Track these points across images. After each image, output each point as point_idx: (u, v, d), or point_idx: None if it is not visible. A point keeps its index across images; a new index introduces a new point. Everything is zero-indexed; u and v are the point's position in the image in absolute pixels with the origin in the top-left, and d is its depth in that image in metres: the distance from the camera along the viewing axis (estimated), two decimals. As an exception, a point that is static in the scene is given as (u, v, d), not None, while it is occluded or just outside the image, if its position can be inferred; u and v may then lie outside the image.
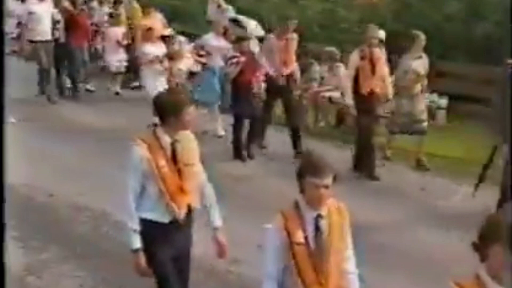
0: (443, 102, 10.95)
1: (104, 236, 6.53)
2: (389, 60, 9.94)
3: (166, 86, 9.76)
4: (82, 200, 7.36)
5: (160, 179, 4.05)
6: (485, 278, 2.53)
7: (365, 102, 8.28)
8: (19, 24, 12.98)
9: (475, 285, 2.56)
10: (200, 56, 10.44)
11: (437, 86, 11.24)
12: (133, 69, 12.73)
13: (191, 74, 12.69)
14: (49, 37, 12.01)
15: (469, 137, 8.62)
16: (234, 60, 8.81)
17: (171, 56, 13.16)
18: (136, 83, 12.76)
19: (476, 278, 2.57)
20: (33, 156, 8.60)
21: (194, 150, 4.20)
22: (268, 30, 13.24)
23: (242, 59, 8.78)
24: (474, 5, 11.62)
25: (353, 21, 13.02)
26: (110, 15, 13.53)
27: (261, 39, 12.94)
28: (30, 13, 11.84)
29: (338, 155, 9.07)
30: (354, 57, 8.35)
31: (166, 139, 4.10)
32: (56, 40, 12.22)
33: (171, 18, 15.46)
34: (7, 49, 4.44)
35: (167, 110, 4.05)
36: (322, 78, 10.74)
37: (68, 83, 12.74)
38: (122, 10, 13.16)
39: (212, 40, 10.33)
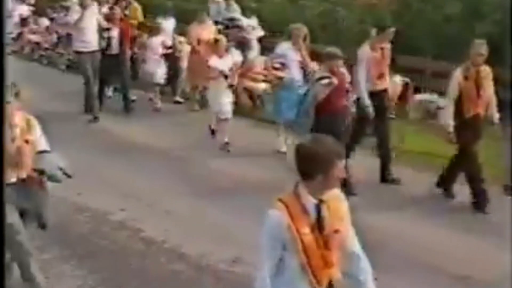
0: (444, 102, 10.93)
1: (104, 236, 6.53)
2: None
3: (229, 106, 9.48)
4: (82, 200, 7.36)
5: (302, 251, 3.32)
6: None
7: (469, 126, 7.33)
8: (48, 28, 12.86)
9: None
10: (276, 69, 9.16)
11: (437, 86, 11.25)
12: (172, 81, 12.27)
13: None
14: (95, 47, 10.91)
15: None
16: (326, 80, 7.46)
17: (170, 56, 13.22)
18: (177, 98, 12.17)
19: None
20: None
21: (344, 213, 3.44)
22: (269, 31, 13.28)
23: (335, 80, 7.47)
24: (474, 5, 11.61)
25: (353, 21, 13.03)
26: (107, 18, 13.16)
27: (260, 40, 13.01)
28: (75, 21, 10.79)
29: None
30: (457, 76, 7.41)
31: (311, 201, 3.34)
32: (103, 50, 11.10)
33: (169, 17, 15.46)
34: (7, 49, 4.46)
35: (316, 165, 3.25)
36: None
37: (108, 94, 12.02)
38: (117, 9, 12.31)
39: (290, 51, 8.99)
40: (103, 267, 5.87)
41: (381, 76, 8.08)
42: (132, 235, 6.57)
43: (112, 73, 11.44)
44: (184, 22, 14.49)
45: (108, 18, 11.35)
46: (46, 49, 16.42)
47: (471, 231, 6.68)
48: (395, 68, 9.28)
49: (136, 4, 14.69)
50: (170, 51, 12.13)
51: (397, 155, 8.61)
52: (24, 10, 17.53)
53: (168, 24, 12.77)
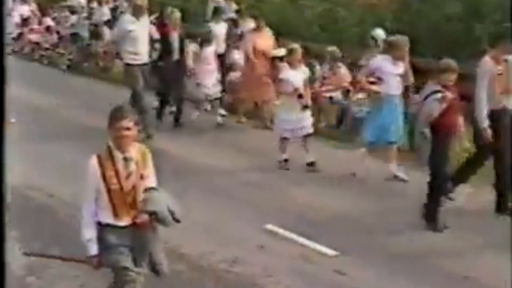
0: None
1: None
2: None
3: (308, 120, 8.57)
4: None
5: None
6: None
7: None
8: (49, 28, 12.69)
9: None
10: (372, 83, 8.21)
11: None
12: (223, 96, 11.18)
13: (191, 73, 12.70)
14: (146, 59, 10.00)
15: (470, 137, 8.58)
16: (438, 95, 6.59)
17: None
18: (221, 111, 11.00)
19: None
20: (34, 156, 8.61)
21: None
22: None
23: (449, 94, 6.61)
24: (474, 5, 11.61)
25: (353, 21, 13.03)
26: None
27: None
28: (126, 31, 9.79)
29: (338, 156, 9.08)
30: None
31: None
32: (153, 62, 10.26)
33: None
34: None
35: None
36: (324, 78, 10.72)
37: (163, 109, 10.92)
38: (176, 14, 10.96)
39: (388, 63, 8.09)
40: (103, 268, 5.86)
41: (506, 91, 7.04)
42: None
43: (171, 86, 10.53)
44: (184, 22, 14.50)
45: (161, 27, 10.46)
46: (47, 49, 16.43)
47: None
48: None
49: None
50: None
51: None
52: (25, 10, 17.52)
53: (220, 29, 11.61)
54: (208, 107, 11.00)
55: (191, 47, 10.74)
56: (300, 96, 8.43)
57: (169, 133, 10.15)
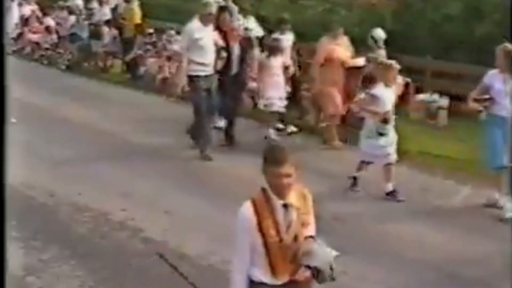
0: (444, 102, 10.95)
1: (104, 236, 6.53)
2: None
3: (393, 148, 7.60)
4: (82, 200, 7.36)
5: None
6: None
7: None
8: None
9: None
10: (484, 100, 7.20)
11: (438, 86, 11.26)
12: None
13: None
14: (212, 70, 9.00)
15: (470, 137, 8.60)
16: None
17: (170, 56, 13.24)
18: (292, 128, 10.28)
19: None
20: (34, 156, 8.62)
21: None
22: (268, 31, 13.27)
23: None
24: (474, 5, 11.61)
25: (353, 21, 13.02)
26: None
27: (260, 40, 13.01)
28: (193, 39, 8.77)
29: (339, 155, 9.09)
30: None
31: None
32: (218, 73, 9.23)
33: (171, 18, 15.51)
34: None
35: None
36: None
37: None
38: (239, 23, 10.54)
39: (496, 80, 7.11)
40: (103, 267, 5.87)
41: None
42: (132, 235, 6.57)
43: (227, 101, 9.51)
44: (182, 24, 14.52)
45: (225, 34, 9.38)
46: (47, 49, 16.44)
47: None
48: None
49: (135, 5, 14.71)
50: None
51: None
52: (26, 10, 17.52)
53: (287, 39, 10.65)
54: (271, 123, 9.90)
55: (257, 56, 10.03)
56: (385, 120, 7.46)
57: (234, 154, 9.06)
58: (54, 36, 16.43)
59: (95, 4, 16.28)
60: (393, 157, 7.61)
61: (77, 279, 5.65)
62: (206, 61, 8.82)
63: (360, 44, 10.23)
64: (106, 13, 15.71)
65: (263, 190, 3.48)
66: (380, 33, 10.06)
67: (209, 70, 8.87)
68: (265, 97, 9.85)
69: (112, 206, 7.17)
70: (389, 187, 7.58)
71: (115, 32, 15.01)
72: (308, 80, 10.42)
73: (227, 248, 6.13)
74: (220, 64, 9.14)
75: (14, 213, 6.96)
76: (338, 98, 9.45)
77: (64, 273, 5.77)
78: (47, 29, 16.64)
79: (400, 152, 8.75)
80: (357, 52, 10.00)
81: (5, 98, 2.16)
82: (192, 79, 8.83)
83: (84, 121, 10.71)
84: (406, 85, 9.76)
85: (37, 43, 16.65)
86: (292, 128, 10.24)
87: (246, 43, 9.79)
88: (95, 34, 15.29)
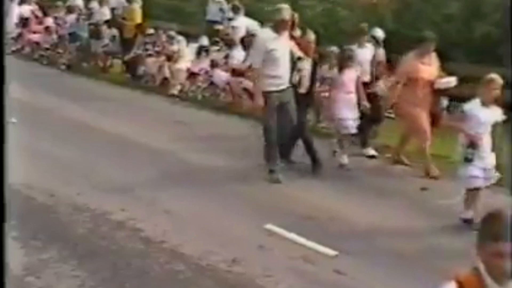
0: (444, 102, 10.94)
1: (104, 236, 6.53)
2: (389, 60, 9.94)
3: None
4: (82, 200, 7.36)
5: None
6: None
7: None
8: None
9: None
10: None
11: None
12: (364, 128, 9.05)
13: (191, 75, 12.75)
14: (286, 84, 8.05)
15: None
16: None
17: (170, 56, 13.25)
18: (370, 151, 9.13)
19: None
20: (34, 156, 8.62)
21: None
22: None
23: None
24: (474, 5, 11.61)
25: (354, 21, 13.02)
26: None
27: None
28: (266, 51, 7.85)
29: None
30: None
31: None
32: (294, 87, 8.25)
33: (171, 17, 15.51)
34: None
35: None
36: (323, 78, 10.69)
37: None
38: (311, 34, 8.69)
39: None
40: (103, 267, 5.87)
41: None
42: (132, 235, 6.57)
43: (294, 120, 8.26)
44: (181, 23, 14.53)
45: (300, 45, 8.49)
46: (47, 49, 16.43)
47: None
48: (394, 68, 9.28)
49: (136, 6, 14.73)
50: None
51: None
52: (25, 10, 17.51)
53: (365, 52, 9.45)
54: (341, 144, 8.88)
55: (324, 70, 8.99)
56: (473, 145, 6.59)
57: (304, 179, 8.13)
58: (54, 36, 16.43)
59: (94, 4, 16.28)
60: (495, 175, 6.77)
61: (77, 279, 5.65)
62: (280, 73, 7.91)
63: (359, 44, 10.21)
64: (105, 13, 15.71)
65: (475, 270, 2.58)
66: (379, 33, 10.05)
67: (284, 84, 7.96)
68: (335, 117, 8.77)
69: (112, 206, 7.17)
70: (468, 214, 6.69)
71: (115, 32, 15.01)
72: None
73: (226, 248, 6.19)
74: (296, 78, 8.19)
75: (14, 213, 6.95)
76: (426, 122, 8.30)
77: (64, 273, 5.77)
78: (47, 29, 16.64)
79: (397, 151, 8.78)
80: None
81: (5, 98, 2.16)
82: (264, 94, 7.93)
83: (84, 121, 10.71)
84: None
85: (37, 43, 16.65)
86: (371, 151, 9.08)
87: (317, 55, 8.70)
88: (95, 34, 15.29)
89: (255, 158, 8.49)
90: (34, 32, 16.89)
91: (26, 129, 9.45)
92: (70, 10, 16.37)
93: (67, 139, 9.69)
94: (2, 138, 2.16)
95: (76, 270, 5.81)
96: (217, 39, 13.23)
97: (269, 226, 6.70)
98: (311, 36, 8.54)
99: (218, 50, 12.84)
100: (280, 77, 7.90)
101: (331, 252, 6.16)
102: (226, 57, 12.41)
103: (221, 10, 14.49)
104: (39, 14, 17.60)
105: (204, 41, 13.15)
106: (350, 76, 8.69)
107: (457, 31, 11.37)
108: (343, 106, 8.64)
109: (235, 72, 11.88)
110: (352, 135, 8.91)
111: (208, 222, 6.84)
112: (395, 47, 10.09)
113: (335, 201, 7.39)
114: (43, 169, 8.32)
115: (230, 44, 12.58)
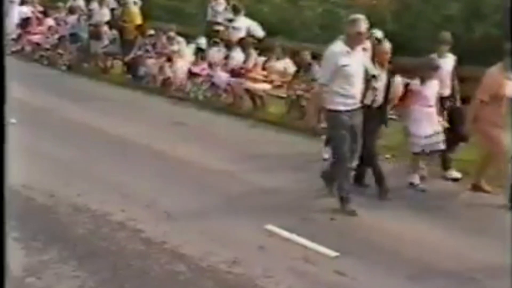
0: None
1: (104, 236, 6.53)
2: (389, 62, 9.94)
3: None
4: (82, 201, 7.36)
5: None
6: None
7: None
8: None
9: None
10: None
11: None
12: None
13: (192, 75, 12.77)
14: (357, 104, 7.17)
15: (472, 138, 8.57)
16: None
17: (170, 57, 13.26)
18: (453, 173, 8.23)
19: None
20: (34, 156, 8.62)
21: None
22: (268, 32, 13.29)
23: None
24: (474, 5, 11.61)
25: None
26: None
27: (259, 41, 13.02)
28: (338, 66, 6.96)
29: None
30: None
31: None
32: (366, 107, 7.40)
33: (171, 18, 15.52)
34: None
35: None
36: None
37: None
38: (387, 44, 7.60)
39: None
40: (103, 268, 5.87)
41: None
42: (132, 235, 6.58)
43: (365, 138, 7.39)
44: (181, 24, 14.54)
45: (374, 55, 7.85)
46: (47, 49, 16.45)
47: None
48: (395, 69, 9.27)
49: (134, 7, 14.73)
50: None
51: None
52: (26, 10, 17.52)
53: (446, 63, 8.44)
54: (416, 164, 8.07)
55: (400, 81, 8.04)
56: None
57: (383, 208, 7.33)
58: (55, 37, 16.44)
59: (94, 5, 16.30)
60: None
61: (78, 280, 5.65)
62: (352, 92, 7.06)
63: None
64: (105, 13, 15.73)
65: None
66: (378, 34, 10.07)
67: (355, 104, 7.11)
68: (413, 134, 7.94)
69: (112, 207, 7.17)
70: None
71: (115, 33, 15.03)
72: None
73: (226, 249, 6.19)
74: (370, 97, 7.45)
75: (14, 214, 6.96)
76: (505, 143, 7.39)
77: (65, 273, 5.77)
78: (48, 29, 16.64)
79: (404, 154, 8.74)
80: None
81: (5, 98, 2.16)
82: (332, 114, 7.13)
83: (84, 121, 10.71)
84: (406, 86, 9.75)
85: (37, 44, 16.66)
86: (455, 173, 8.24)
87: (392, 67, 7.93)
88: (95, 35, 15.30)
89: (260, 162, 8.53)
90: (35, 33, 16.90)
91: (26, 130, 9.45)
92: (71, 11, 16.38)
93: (67, 140, 9.70)
94: (2, 138, 2.17)
95: (77, 271, 5.81)
96: (217, 40, 13.24)
97: (269, 226, 6.70)
98: (387, 45, 7.85)
99: (218, 51, 12.85)
100: (352, 96, 7.04)
101: (331, 252, 6.16)
102: (226, 57, 12.43)
103: (221, 11, 14.50)
104: (39, 15, 17.61)
105: (201, 41, 13.17)
106: (432, 88, 7.94)
107: (457, 31, 11.37)
108: (423, 121, 7.84)
109: (235, 73, 11.89)
110: (430, 153, 8.01)
111: (208, 222, 6.84)
112: (395, 48, 10.09)
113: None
114: (43, 170, 8.32)
115: (229, 45, 12.61)
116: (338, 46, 7.09)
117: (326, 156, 8.28)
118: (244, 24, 13.39)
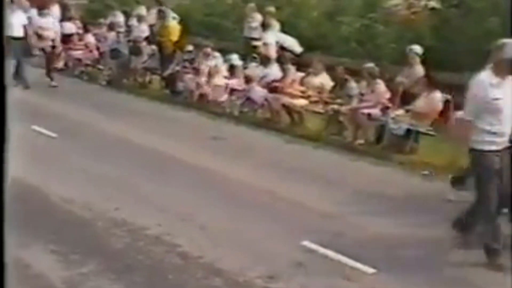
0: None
1: (141, 250, 6.57)
2: (428, 76, 9.85)
3: None
4: (119, 214, 7.43)
5: None
6: None
7: None
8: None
9: None
10: None
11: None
12: None
13: (232, 90, 12.81)
14: (506, 143, 6.23)
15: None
16: None
17: (207, 72, 13.35)
18: None
19: None
20: (73, 170, 8.75)
21: None
22: (306, 47, 13.29)
23: None
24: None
25: (391, 37, 12.94)
26: None
27: (297, 56, 13.05)
28: (488, 100, 5.95)
29: (376, 172, 9.01)
30: None
31: None
32: None
33: (209, 34, 15.65)
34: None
35: None
36: (361, 94, 10.66)
37: None
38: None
39: None
40: (140, 282, 5.90)
41: None
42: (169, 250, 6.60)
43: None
44: (218, 39, 14.63)
45: None
46: (87, 65, 16.70)
47: None
48: (435, 84, 9.17)
49: (172, 21, 14.87)
50: None
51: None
52: (69, 27, 17.77)
53: None
54: None
55: None
56: None
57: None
58: (95, 53, 16.69)
59: (134, 21, 16.52)
60: None
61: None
62: (504, 130, 6.09)
63: (398, 60, 10.17)
64: (144, 29, 15.93)
65: None
66: (417, 49, 10.01)
67: (505, 143, 6.16)
68: None
69: (149, 221, 7.22)
70: None
71: (154, 48, 15.20)
72: None
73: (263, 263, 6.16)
74: None
75: (52, 227, 7.08)
76: None
77: (103, 287, 5.81)
78: (87, 45, 16.91)
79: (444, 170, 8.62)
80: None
81: (5, 98, 2.19)
82: (478, 154, 6.14)
83: (123, 136, 10.82)
84: (446, 102, 9.65)
85: (78, 59, 16.93)
86: None
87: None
88: (135, 51, 15.50)
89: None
90: (76, 49, 17.17)
91: (66, 144, 9.62)
92: (111, 27, 16.62)
93: (105, 154, 9.81)
94: (2, 138, 2.21)
95: (114, 285, 5.85)
96: (254, 55, 13.30)
97: (306, 242, 6.66)
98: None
99: (256, 67, 12.89)
100: (502, 134, 6.09)
101: (369, 269, 6.09)
102: (263, 73, 12.45)
103: (256, 26, 14.61)
104: (80, 31, 17.88)
105: (233, 57, 13.26)
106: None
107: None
108: None
109: (272, 88, 11.90)
110: None
111: (244, 237, 6.83)
112: (434, 63, 10.01)
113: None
114: (82, 183, 8.43)
115: (265, 61, 12.65)
116: (486, 75, 6.04)
117: (452, 197, 7.61)
118: (274, 40, 13.49)
